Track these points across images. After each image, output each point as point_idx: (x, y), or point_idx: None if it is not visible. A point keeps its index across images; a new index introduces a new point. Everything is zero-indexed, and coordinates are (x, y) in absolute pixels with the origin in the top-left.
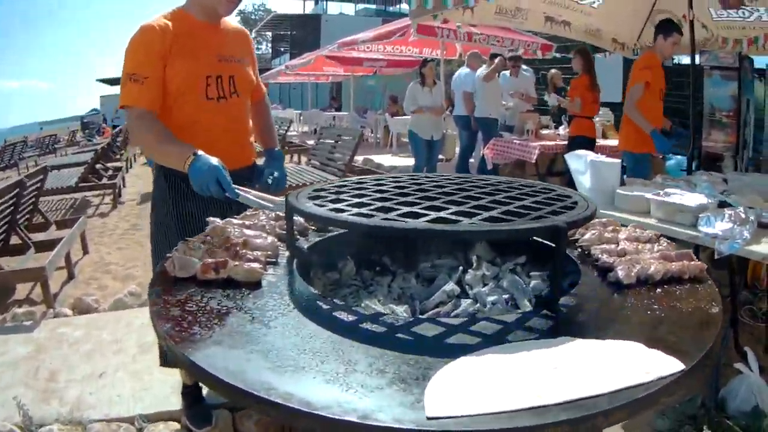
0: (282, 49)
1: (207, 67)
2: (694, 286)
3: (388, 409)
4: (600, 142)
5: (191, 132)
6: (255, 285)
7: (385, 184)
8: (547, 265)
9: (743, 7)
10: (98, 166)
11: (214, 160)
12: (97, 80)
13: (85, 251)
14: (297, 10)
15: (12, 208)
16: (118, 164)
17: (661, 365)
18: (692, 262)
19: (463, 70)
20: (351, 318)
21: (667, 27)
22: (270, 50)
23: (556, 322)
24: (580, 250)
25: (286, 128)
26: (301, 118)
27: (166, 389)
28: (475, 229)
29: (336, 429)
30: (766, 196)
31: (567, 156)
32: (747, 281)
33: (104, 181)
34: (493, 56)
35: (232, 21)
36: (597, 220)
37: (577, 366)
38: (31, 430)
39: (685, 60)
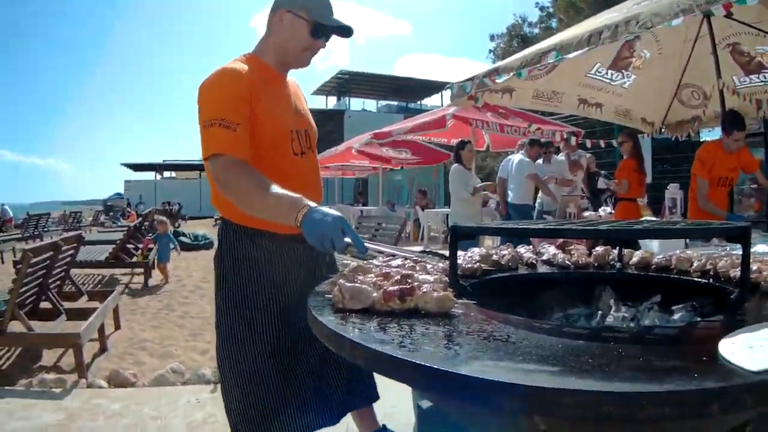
0: None
1: (290, 121)
2: None
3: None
4: None
5: (284, 188)
6: (444, 316)
7: None
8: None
9: (764, 71)
10: (129, 245)
11: (335, 211)
12: (121, 164)
13: (118, 326)
14: (320, 105)
15: (45, 270)
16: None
17: None
18: None
19: (516, 156)
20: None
21: (727, 124)
22: None
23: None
24: (719, 277)
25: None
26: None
27: None
28: (678, 228)
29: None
30: None
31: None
32: None
33: (135, 259)
34: (532, 143)
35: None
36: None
37: None
38: None
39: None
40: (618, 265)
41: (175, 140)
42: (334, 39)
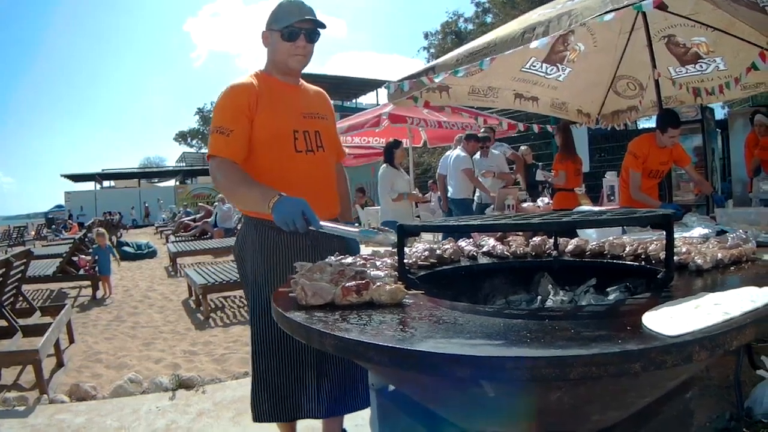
0: None
1: (293, 122)
2: (755, 263)
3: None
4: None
5: (282, 181)
6: (397, 306)
7: None
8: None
9: (700, 60)
10: (74, 258)
11: (299, 198)
12: (62, 175)
13: (71, 340)
14: None
15: None
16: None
17: None
18: (746, 246)
19: (454, 152)
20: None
21: (662, 122)
22: None
23: (683, 291)
24: (651, 260)
25: None
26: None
27: None
28: (606, 218)
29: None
30: (754, 223)
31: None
32: None
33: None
34: (469, 137)
35: (308, 83)
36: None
37: (729, 298)
38: None
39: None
40: (554, 253)
41: (114, 149)
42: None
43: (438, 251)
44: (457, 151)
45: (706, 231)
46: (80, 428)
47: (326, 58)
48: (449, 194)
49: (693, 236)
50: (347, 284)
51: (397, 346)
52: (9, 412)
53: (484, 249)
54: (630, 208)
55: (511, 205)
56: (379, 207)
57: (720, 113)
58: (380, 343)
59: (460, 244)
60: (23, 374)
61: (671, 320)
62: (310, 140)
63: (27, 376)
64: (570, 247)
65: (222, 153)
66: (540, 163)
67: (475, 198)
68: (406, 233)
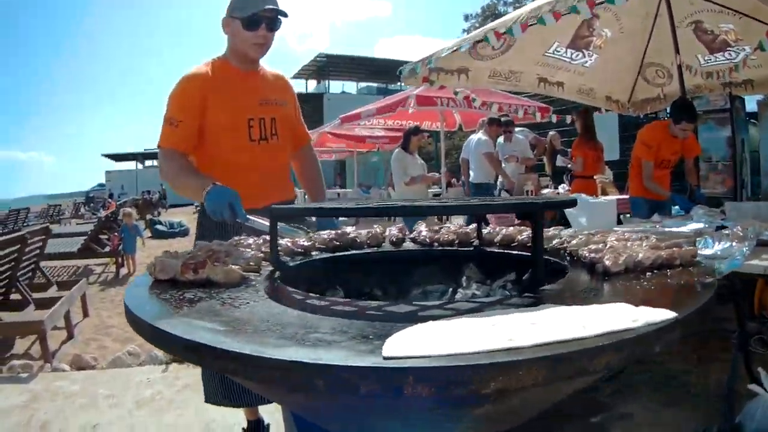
0: None
1: (249, 110)
2: (687, 269)
3: (342, 354)
4: (600, 199)
5: (235, 169)
6: (233, 286)
7: None
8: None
9: (729, 49)
10: (102, 236)
11: (230, 190)
12: (102, 155)
13: (86, 314)
14: (300, 88)
15: (13, 263)
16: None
17: (651, 315)
18: (683, 249)
19: (476, 136)
20: (324, 303)
21: (677, 113)
22: None
23: (539, 299)
24: (569, 256)
25: None
26: (306, 197)
27: None
28: (455, 204)
29: (286, 369)
30: (764, 220)
31: None
32: (755, 311)
33: (107, 249)
34: (491, 121)
35: (269, 67)
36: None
37: (558, 320)
38: None
39: None
40: (475, 242)
41: (155, 129)
42: (312, 22)
43: (352, 234)
44: (479, 135)
45: (700, 226)
46: (73, 395)
47: (373, 42)
48: (470, 178)
49: (685, 231)
50: (187, 261)
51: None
52: (12, 378)
53: (412, 234)
54: (639, 198)
55: (530, 191)
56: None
57: (752, 104)
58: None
59: (391, 228)
60: (35, 345)
61: (418, 335)
62: (264, 128)
63: (38, 347)
64: (499, 237)
65: (168, 143)
66: (568, 150)
67: (498, 183)
68: (275, 217)
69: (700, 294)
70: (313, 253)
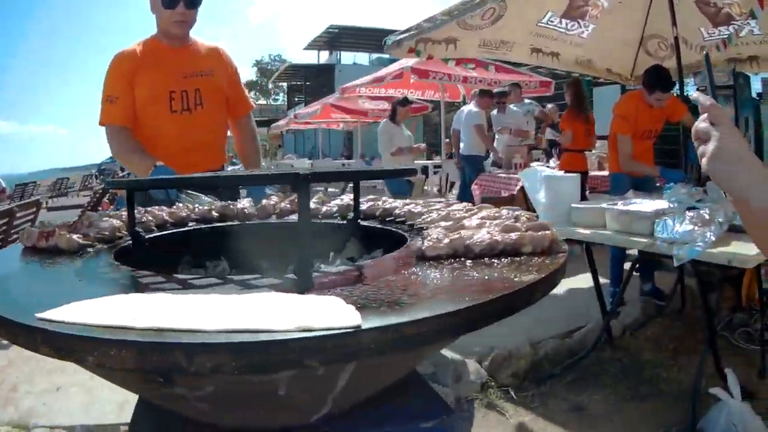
0: (297, 99)
1: (170, 83)
2: (532, 258)
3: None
4: (595, 173)
5: (159, 141)
6: (74, 254)
7: None
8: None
9: (733, 23)
10: (100, 209)
11: (168, 170)
12: None
13: None
14: (312, 60)
15: (2, 236)
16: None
17: (332, 319)
18: (539, 233)
19: (467, 107)
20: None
21: (650, 82)
22: (286, 101)
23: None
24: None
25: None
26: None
27: (113, 405)
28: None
29: None
30: None
31: (521, 174)
32: (742, 302)
33: None
34: (482, 93)
35: (205, 41)
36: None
37: (243, 307)
38: None
39: None
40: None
41: None
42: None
43: (241, 206)
44: (470, 107)
45: (665, 206)
46: (43, 360)
47: (385, 12)
48: (461, 150)
49: (646, 211)
50: (41, 231)
51: None
52: None
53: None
54: (620, 174)
55: (519, 164)
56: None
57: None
58: None
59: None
60: None
61: (103, 305)
62: (188, 99)
63: None
64: (380, 211)
65: (111, 120)
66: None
67: (491, 155)
68: (108, 186)
69: (482, 298)
70: (190, 224)
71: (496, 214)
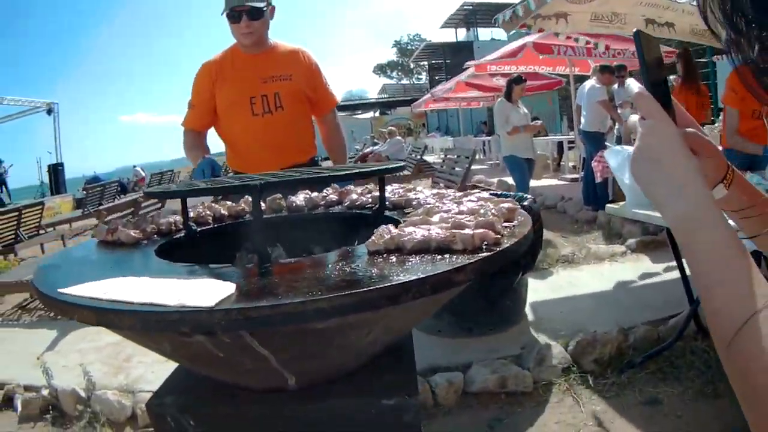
0: (437, 77)
1: (250, 89)
2: (455, 256)
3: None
4: None
5: (240, 140)
6: (133, 246)
7: None
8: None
9: None
10: None
11: (208, 161)
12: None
13: None
14: (450, 38)
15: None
16: None
17: (198, 300)
18: (476, 231)
19: (589, 82)
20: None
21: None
22: (428, 80)
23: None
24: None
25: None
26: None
27: None
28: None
29: None
30: None
31: (606, 153)
32: None
33: None
34: (603, 69)
35: (286, 44)
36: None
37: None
38: (91, 390)
39: None
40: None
41: None
42: None
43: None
44: (592, 82)
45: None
46: None
47: None
48: (581, 126)
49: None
50: (109, 228)
51: None
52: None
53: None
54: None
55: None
56: (550, 137)
57: None
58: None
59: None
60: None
61: (112, 284)
62: (268, 103)
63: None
64: (403, 201)
65: (187, 124)
66: None
67: (615, 132)
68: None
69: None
70: (246, 217)
71: (478, 207)
